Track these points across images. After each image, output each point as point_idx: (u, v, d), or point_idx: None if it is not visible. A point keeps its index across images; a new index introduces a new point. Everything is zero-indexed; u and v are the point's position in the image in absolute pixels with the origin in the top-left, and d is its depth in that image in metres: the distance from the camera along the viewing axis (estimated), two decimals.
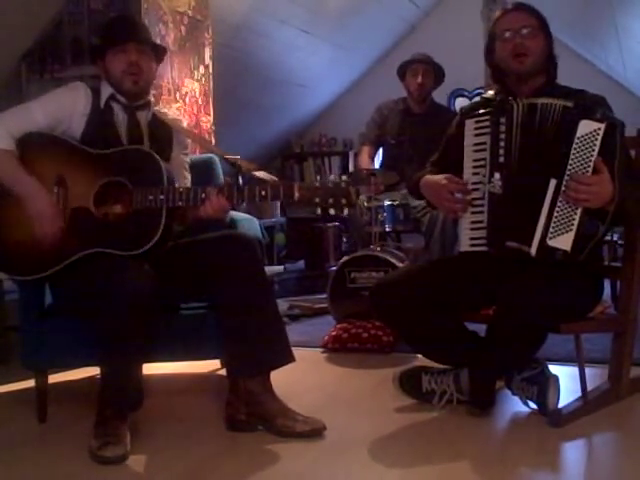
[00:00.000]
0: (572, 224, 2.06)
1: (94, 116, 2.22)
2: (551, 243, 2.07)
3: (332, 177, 2.04)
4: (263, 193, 2.07)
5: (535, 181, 2.10)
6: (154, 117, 2.33)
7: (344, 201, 2.04)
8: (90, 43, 3.63)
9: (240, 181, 2.18)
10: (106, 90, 2.26)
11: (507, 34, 2.26)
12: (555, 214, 2.07)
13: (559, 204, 2.07)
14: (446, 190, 2.24)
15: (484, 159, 2.19)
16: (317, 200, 2.05)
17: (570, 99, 2.14)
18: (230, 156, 2.28)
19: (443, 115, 4.06)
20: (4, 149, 2.14)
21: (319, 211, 2.08)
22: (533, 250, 2.09)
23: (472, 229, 2.23)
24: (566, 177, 2.06)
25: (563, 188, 2.06)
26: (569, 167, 2.05)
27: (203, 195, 2.10)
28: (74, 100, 2.22)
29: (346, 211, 2.05)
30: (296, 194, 2.05)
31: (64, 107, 2.21)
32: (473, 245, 2.22)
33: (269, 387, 2.16)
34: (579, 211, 2.05)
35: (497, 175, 2.15)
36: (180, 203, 2.10)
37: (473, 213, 2.23)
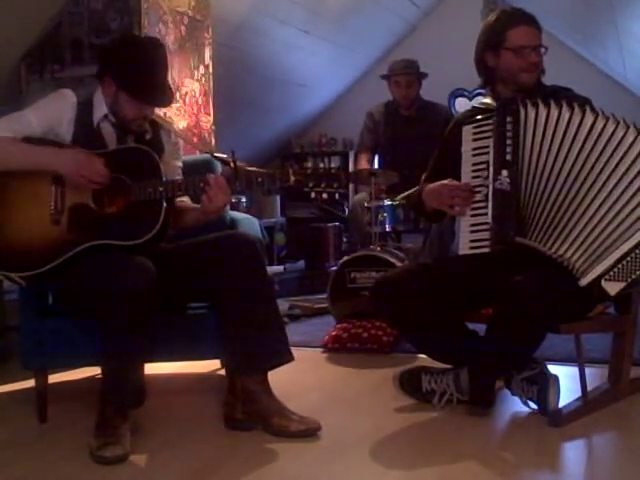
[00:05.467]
0: (631, 276, 2.05)
1: (81, 129, 2.20)
2: (604, 284, 2.07)
3: (321, 165, 2.17)
4: (259, 180, 2.12)
5: (559, 184, 2.10)
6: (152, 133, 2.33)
7: (336, 185, 2.16)
8: (90, 43, 3.63)
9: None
10: (101, 108, 2.24)
11: (524, 50, 2.25)
12: (628, 258, 2.05)
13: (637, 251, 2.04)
14: (447, 189, 2.24)
15: (485, 162, 2.19)
16: (311, 184, 2.13)
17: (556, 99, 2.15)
18: (220, 154, 2.33)
19: (434, 111, 4.09)
20: (9, 136, 2.12)
21: (313, 195, 2.18)
22: (584, 282, 2.07)
23: (472, 231, 2.22)
24: None
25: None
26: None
27: (202, 184, 2.11)
28: (62, 108, 2.21)
29: (340, 200, 2.15)
30: (291, 178, 2.11)
31: (53, 115, 2.20)
32: (473, 248, 2.22)
33: (267, 386, 2.16)
34: None
35: (505, 172, 2.15)
36: (179, 193, 2.13)
37: (473, 216, 2.22)
